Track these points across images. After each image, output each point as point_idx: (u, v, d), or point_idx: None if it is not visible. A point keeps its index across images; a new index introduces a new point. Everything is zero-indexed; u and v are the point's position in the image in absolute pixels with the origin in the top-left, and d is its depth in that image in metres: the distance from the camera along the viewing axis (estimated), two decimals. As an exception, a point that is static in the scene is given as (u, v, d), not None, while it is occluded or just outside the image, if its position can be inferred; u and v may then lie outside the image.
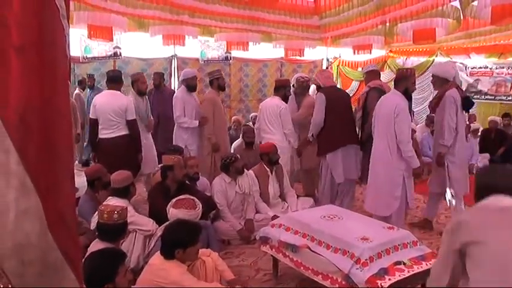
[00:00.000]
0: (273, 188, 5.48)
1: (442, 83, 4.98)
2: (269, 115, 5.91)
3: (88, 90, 8.79)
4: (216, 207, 4.96)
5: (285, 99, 6.02)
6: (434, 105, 5.06)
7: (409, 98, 4.74)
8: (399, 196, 4.69)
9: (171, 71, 10.13)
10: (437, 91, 5.13)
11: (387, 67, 11.93)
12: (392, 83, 4.91)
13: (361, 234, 3.41)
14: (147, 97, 6.20)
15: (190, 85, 6.22)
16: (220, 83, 6.25)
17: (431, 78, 5.25)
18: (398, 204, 4.69)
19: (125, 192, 4.15)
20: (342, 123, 5.45)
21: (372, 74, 5.82)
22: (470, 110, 5.47)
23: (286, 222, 3.95)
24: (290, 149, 6.00)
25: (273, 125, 5.86)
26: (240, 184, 5.17)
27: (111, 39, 6.92)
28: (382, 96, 4.97)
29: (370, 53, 8.89)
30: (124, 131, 5.44)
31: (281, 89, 6.00)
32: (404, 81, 4.68)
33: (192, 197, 3.99)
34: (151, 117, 6.27)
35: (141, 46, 9.09)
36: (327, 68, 12.30)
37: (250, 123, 9.06)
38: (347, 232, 3.49)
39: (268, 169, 5.48)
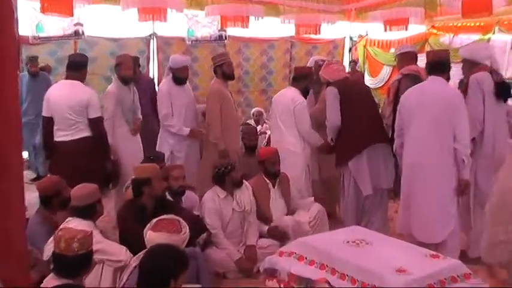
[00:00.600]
0: (277, 205, 5.45)
1: (470, 67, 5.07)
2: (281, 111, 5.91)
3: (27, 77, 8.22)
4: (206, 230, 4.94)
5: (306, 93, 6.03)
6: (463, 94, 5.03)
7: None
8: (455, 214, 4.73)
9: (148, 54, 10.17)
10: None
11: (428, 48, 11.89)
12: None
13: (397, 264, 3.37)
14: (134, 86, 6.25)
15: (179, 77, 6.29)
16: (225, 70, 6.29)
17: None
18: (454, 225, 4.72)
19: (89, 211, 4.13)
20: (363, 119, 5.44)
21: (406, 57, 5.79)
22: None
23: (299, 249, 3.91)
24: (306, 155, 5.98)
25: (286, 123, 5.87)
26: (238, 199, 5.15)
27: (71, 14, 6.94)
28: (422, 84, 4.99)
29: (406, 29, 8.92)
30: (87, 132, 5.45)
31: (302, 79, 6.00)
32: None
33: (177, 218, 3.97)
34: (139, 115, 6.31)
35: (110, 22, 9.12)
36: (350, 49, 12.32)
37: (252, 122, 9.08)
38: (378, 262, 3.46)
39: (268, 181, 5.47)
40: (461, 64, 5.29)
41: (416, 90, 4.92)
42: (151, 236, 3.69)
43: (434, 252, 3.70)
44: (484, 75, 4.93)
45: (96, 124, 5.46)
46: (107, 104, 5.96)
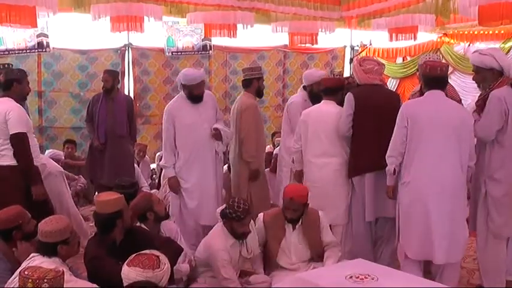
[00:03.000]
0: (295, 250, 5.24)
1: (488, 77, 5.05)
2: (327, 128, 5.80)
3: None
4: (181, 251, 4.88)
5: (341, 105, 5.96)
6: (478, 110, 5.11)
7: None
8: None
9: (123, 67, 10.21)
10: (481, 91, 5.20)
11: (441, 57, 11.97)
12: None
13: None
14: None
15: (195, 95, 6.14)
16: (261, 85, 6.68)
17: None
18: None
19: (59, 249, 4.11)
20: (377, 137, 5.45)
21: None
22: None
23: (296, 287, 3.92)
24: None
25: (335, 143, 5.80)
26: (248, 245, 5.08)
27: (34, 25, 6.94)
28: (425, 99, 5.04)
29: (415, 38, 8.96)
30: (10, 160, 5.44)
31: (338, 90, 5.96)
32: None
33: (156, 254, 3.95)
34: None
35: (79, 33, 9.17)
36: (351, 60, 12.37)
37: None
38: None
39: (287, 223, 5.25)
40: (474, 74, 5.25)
41: (423, 104, 4.98)
42: (125, 272, 3.70)
43: (446, 286, 3.75)
44: (507, 90, 4.92)
45: (15, 141, 5.41)
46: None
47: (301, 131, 5.95)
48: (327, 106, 5.88)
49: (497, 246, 5.07)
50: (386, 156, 5.07)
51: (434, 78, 4.97)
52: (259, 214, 5.39)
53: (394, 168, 5.03)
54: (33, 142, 5.64)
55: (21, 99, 5.76)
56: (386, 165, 5.20)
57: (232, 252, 4.96)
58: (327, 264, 5.10)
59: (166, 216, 5.13)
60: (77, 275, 4.29)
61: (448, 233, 4.83)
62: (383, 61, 12.14)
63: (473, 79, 5.30)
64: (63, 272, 3.47)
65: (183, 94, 6.18)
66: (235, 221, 4.89)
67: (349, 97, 5.58)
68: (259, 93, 6.73)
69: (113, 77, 7.76)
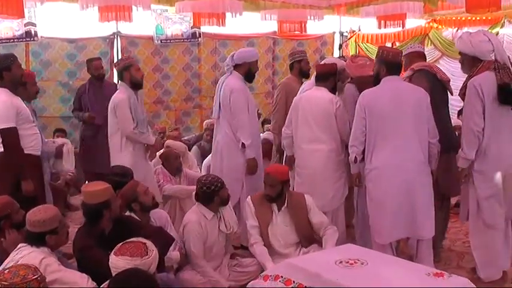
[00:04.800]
0: (281, 232, 5.35)
1: (470, 63, 5.03)
2: (317, 114, 5.82)
3: None
4: (172, 241, 4.91)
5: (333, 92, 6.04)
6: (462, 98, 5.14)
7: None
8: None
9: (112, 55, 10.13)
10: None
11: (429, 42, 12.04)
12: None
13: (396, 286, 3.43)
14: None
15: (252, 72, 6.38)
16: (303, 67, 7.15)
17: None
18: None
19: (46, 239, 4.11)
20: None
21: (415, 56, 5.90)
22: None
23: (286, 272, 3.91)
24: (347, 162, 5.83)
25: (324, 129, 5.79)
26: (225, 221, 5.22)
27: (21, 15, 6.90)
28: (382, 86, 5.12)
29: (403, 25, 8.98)
30: None
31: (330, 77, 5.96)
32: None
33: (143, 241, 3.96)
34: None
35: (67, 22, 9.09)
36: (340, 46, 12.39)
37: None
38: (374, 284, 3.51)
39: (271, 204, 5.38)
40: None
41: (377, 91, 5.08)
42: (114, 261, 3.69)
43: (437, 270, 3.73)
44: (485, 78, 4.84)
45: (3, 136, 5.37)
46: (124, 114, 5.96)
47: (292, 116, 5.99)
48: (317, 92, 5.90)
49: (490, 236, 5.05)
50: (348, 146, 5.23)
51: (387, 63, 5.05)
52: (247, 198, 5.48)
53: (356, 157, 5.16)
54: (30, 132, 5.61)
55: (15, 86, 5.69)
56: None
57: (210, 228, 5.10)
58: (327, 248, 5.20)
59: (154, 206, 5.10)
60: (67, 264, 4.31)
61: (423, 209, 4.97)
62: (372, 46, 12.33)
63: (462, 68, 5.23)
64: (39, 276, 3.47)
65: (239, 75, 6.25)
66: (218, 190, 5.11)
67: (350, 88, 5.76)
68: (303, 75, 7.24)
69: (101, 65, 7.89)
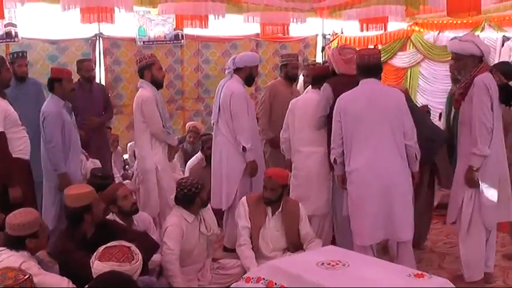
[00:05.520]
0: (271, 237, 5.37)
1: (468, 64, 4.99)
2: (310, 117, 5.84)
3: None
4: (158, 247, 4.90)
5: None
6: (459, 98, 5.10)
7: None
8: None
9: (94, 57, 10.07)
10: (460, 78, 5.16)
11: (411, 45, 12.12)
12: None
13: (377, 287, 3.47)
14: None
15: (252, 76, 6.41)
16: (289, 71, 7.17)
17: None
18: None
19: (26, 243, 4.08)
20: None
21: None
22: None
23: (268, 274, 3.92)
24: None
25: (317, 132, 5.83)
26: (206, 223, 5.22)
27: (1, 16, 6.86)
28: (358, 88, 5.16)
29: (385, 29, 9.06)
30: None
31: (324, 79, 5.91)
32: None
33: (127, 244, 3.94)
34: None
35: (48, 23, 9.06)
36: (323, 48, 12.40)
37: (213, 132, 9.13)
38: (356, 285, 3.53)
39: (267, 206, 5.38)
40: (452, 62, 5.23)
41: (353, 94, 5.09)
42: (99, 267, 3.65)
43: (418, 271, 3.79)
44: (489, 77, 4.90)
45: None
46: (153, 111, 5.99)
47: (289, 120, 6.02)
48: (311, 95, 5.95)
49: (482, 238, 5.09)
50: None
51: (364, 66, 5.06)
52: (242, 198, 5.50)
53: (335, 159, 5.19)
54: (18, 135, 5.55)
55: (3, 89, 5.69)
56: None
57: (190, 230, 5.10)
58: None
59: (133, 212, 5.08)
60: (48, 267, 4.27)
61: (400, 212, 4.97)
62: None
63: (451, 67, 5.29)
64: (29, 276, 3.46)
65: (239, 79, 6.24)
66: (198, 192, 5.10)
67: (326, 90, 5.58)
68: (289, 79, 7.26)
69: (91, 66, 7.83)
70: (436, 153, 5.61)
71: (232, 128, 6.13)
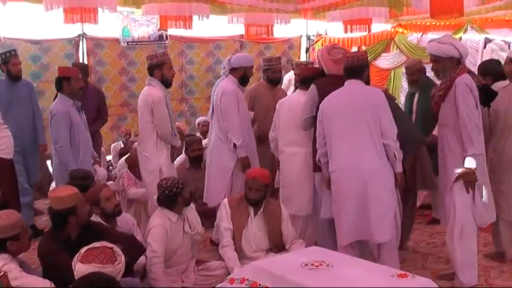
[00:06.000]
0: (254, 237, 5.37)
1: (447, 66, 4.96)
2: (297, 118, 5.80)
3: None
4: (144, 251, 4.90)
5: None
6: (438, 100, 5.07)
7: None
8: (397, 212, 5.07)
9: (77, 57, 10.09)
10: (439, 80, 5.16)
11: (395, 47, 12.18)
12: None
13: (361, 287, 3.48)
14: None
15: (248, 76, 6.47)
16: (270, 75, 7.16)
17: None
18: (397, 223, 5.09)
19: (7, 245, 4.06)
20: None
21: None
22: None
23: (252, 275, 3.93)
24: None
25: (302, 132, 5.81)
26: (190, 222, 5.22)
27: (-19, 17, 6.82)
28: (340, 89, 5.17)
29: (369, 30, 9.10)
30: None
31: (310, 81, 5.86)
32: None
33: (109, 245, 3.92)
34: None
35: (30, 23, 9.02)
36: (307, 50, 12.45)
37: (198, 133, 9.11)
38: (339, 286, 3.53)
39: (250, 207, 5.39)
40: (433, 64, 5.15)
41: (335, 95, 5.10)
42: (82, 269, 3.62)
43: (401, 271, 3.80)
44: (469, 78, 4.89)
45: None
46: (163, 113, 5.95)
47: (276, 120, 6.04)
48: (299, 96, 5.94)
49: (474, 238, 5.04)
50: None
51: (348, 68, 5.10)
52: (224, 200, 5.51)
53: (319, 159, 5.20)
54: (1, 135, 5.53)
55: None
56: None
57: (174, 230, 5.09)
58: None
59: (115, 213, 5.05)
60: (30, 270, 4.26)
61: (376, 213, 4.93)
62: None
63: (432, 69, 5.19)
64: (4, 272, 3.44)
65: (234, 79, 6.30)
66: (179, 192, 5.09)
67: (312, 91, 5.54)
68: (271, 82, 7.25)
69: (84, 71, 7.62)
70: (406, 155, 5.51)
71: (222, 125, 6.22)
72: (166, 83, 6.04)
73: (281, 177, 6.00)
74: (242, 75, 6.33)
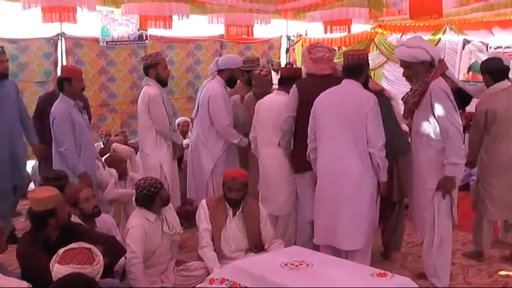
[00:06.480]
0: (233, 237, 5.35)
1: (420, 71, 4.80)
2: (273, 119, 5.79)
3: None
4: (124, 252, 4.85)
5: None
6: (412, 106, 4.90)
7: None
8: (373, 222, 5.05)
9: (56, 57, 10.02)
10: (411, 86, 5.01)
11: (375, 48, 12.25)
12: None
13: (340, 286, 3.47)
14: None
15: (235, 78, 6.50)
16: (235, 75, 6.70)
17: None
18: (371, 234, 5.08)
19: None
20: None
21: None
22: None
23: (232, 275, 3.92)
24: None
25: (279, 133, 5.76)
26: (168, 222, 5.21)
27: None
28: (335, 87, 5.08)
29: (349, 31, 9.14)
30: None
31: (291, 81, 5.78)
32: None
33: (87, 246, 3.91)
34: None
35: (8, 22, 8.95)
36: (287, 50, 12.47)
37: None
38: (319, 285, 3.54)
39: (229, 207, 5.36)
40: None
41: (329, 93, 5.05)
42: (60, 270, 3.61)
43: (380, 271, 3.79)
44: (443, 82, 4.79)
45: None
46: (160, 109, 6.05)
47: (255, 120, 6.02)
48: (277, 96, 5.89)
49: (450, 242, 5.02)
50: None
51: (345, 66, 5.04)
52: (201, 201, 5.47)
53: (309, 154, 5.16)
54: None
55: None
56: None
57: (153, 230, 5.09)
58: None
59: (94, 215, 5.02)
60: (7, 272, 4.22)
61: (347, 220, 4.88)
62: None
63: (404, 75, 5.04)
64: None
65: (221, 80, 6.37)
66: (157, 192, 5.08)
67: (293, 91, 5.49)
68: (247, 83, 6.93)
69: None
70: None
71: (205, 127, 6.31)
72: (162, 82, 6.18)
73: (260, 177, 5.99)
74: (229, 77, 6.37)
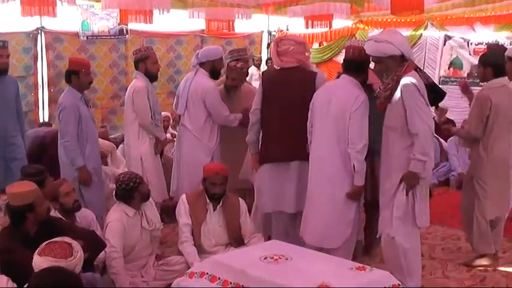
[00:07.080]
0: (213, 231, 5.38)
1: (390, 65, 4.67)
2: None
3: None
4: (104, 246, 4.85)
5: None
6: (384, 101, 4.75)
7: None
8: (352, 220, 4.98)
9: (36, 52, 9.98)
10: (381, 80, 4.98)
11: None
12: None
13: (319, 279, 3.47)
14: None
15: (217, 69, 6.41)
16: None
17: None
18: (350, 233, 4.98)
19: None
20: (277, 124, 5.42)
21: None
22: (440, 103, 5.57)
23: (212, 269, 3.94)
24: None
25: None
26: (147, 217, 5.21)
27: None
28: (331, 82, 5.12)
29: (330, 26, 9.15)
30: None
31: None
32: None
33: (68, 241, 3.90)
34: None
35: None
36: (269, 45, 12.45)
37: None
38: (298, 278, 3.55)
39: (209, 202, 5.39)
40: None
41: (326, 87, 5.08)
42: (38, 262, 3.63)
43: (360, 264, 3.84)
44: (416, 76, 4.61)
45: None
46: (143, 102, 6.14)
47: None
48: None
49: (419, 242, 4.94)
50: None
51: (345, 60, 5.03)
52: (181, 195, 5.48)
53: (308, 145, 5.14)
54: None
55: None
56: (281, 158, 5.36)
57: (132, 225, 5.11)
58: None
59: (75, 209, 5.02)
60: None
61: (322, 218, 4.92)
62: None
63: (375, 71, 5.04)
64: None
65: (205, 72, 6.25)
66: (137, 186, 5.09)
67: (260, 81, 5.60)
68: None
69: None
70: None
71: (199, 124, 6.20)
72: (151, 77, 6.31)
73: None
74: (211, 68, 6.30)
